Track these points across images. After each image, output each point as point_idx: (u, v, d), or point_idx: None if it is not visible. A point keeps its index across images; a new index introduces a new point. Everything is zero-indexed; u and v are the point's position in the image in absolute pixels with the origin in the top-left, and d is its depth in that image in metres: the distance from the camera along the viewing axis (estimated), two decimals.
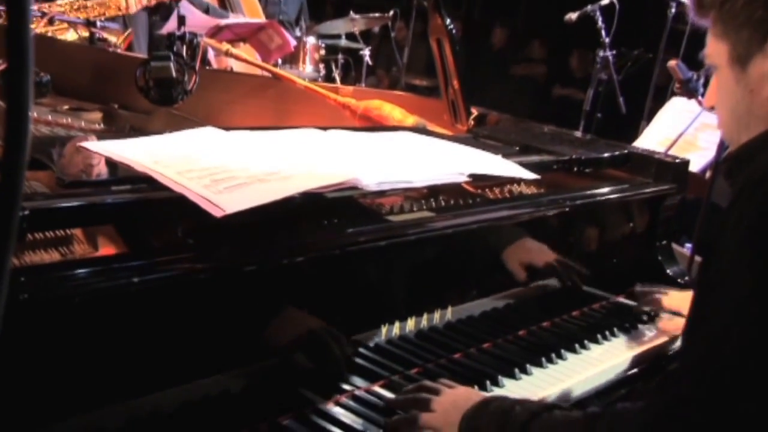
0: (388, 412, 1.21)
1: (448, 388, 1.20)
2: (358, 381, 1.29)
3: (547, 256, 1.67)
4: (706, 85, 2.30)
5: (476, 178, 1.43)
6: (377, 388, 1.29)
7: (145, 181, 1.12)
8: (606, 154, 1.86)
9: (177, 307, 1.05)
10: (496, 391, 1.31)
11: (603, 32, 4.14)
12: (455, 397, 1.15)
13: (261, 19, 3.32)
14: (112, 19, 2.79)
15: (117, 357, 0.99)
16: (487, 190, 1.67)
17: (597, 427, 0.98)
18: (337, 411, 1.22)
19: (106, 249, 1.11)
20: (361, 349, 1.33)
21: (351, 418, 1.19)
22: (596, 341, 1.58)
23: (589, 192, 1.72)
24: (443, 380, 1.24)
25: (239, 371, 1.13)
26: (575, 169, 1.76)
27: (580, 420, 1.03)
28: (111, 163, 1.19)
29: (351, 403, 1.24)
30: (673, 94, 2.83)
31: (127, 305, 0.99)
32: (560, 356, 1.49)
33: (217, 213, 1.04)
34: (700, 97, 2.43)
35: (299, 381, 1.22)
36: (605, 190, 1.75)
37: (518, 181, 1.70)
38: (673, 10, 3.90)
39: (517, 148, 1.79)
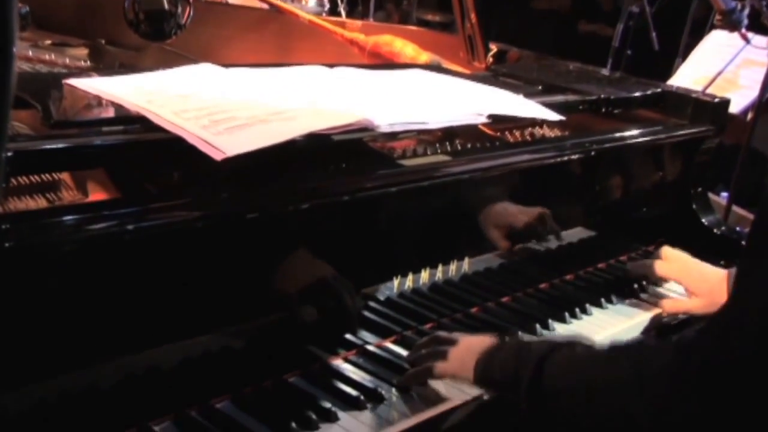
0: (400, 369, 1.22)
1: (460, 337, 1.21)
2: (368, 336, 1.30)
3: (570, 205, 1.66)
4: (750, 16, 2.26)
5: (495, 120, 1.41)
6: (389, 344, 1.30)
7: (139, 122, 1.11)
8: (637, 94, 1.84)
9: (174, 258, 1.05)
10: None
11: None
12: (470, 343, 1.16)
13: None
14: None
15: (110, 311, 1.00)
16: (506, 132, 1.65)
17: (622, 365, 0.97)
18: (346, 367, 1.23)
19: (96, 195, 1.11)
20: (372, 303, 1.34)
21: (360, 375, 1.21)
22: (623, 295, 1.58)
23: (618, 135, 1.70)
24: (458, 333, 1.24)
25: (241, 326, 1.14)
26: (603, 109, 1.75)
27: (603, 355, 1.02)
28: (101, 103, 1.19)
29: (360, 359, 1.25)
30: (713, 27, 2.77)
31: (120, 255, 0.99)
32: (584, 311, 1.49)
33: (217, 156, 1.03)
34: (743, 30, 2.38)
35: (306, 336, 1.23)
36: (636, 132, 1.73)
37: (540, 122, 1.69)
38: None
39: (540, 88, 1.77)
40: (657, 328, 1.48)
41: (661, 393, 0.90)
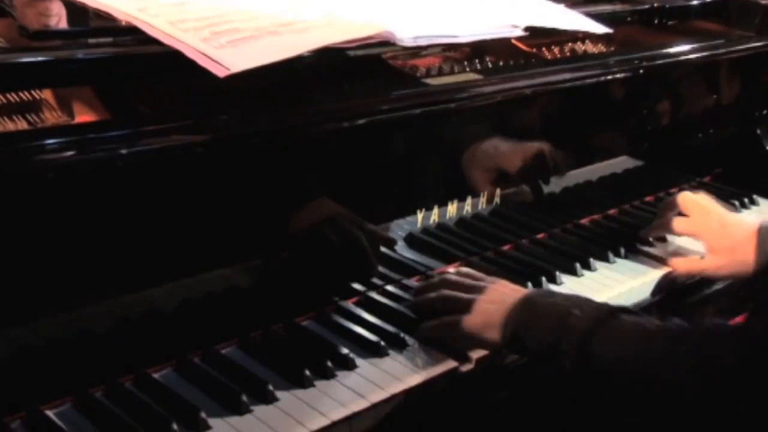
0: (422, 313, 1.21)
1: (488, 283, 1.19)
2: (389, 276, 1.29)
3: (615, 131, 1.64)
4: None
5: (532, 33, 1.38)
6: (413, 284, 1.30)
7: (130, 33, 1.10)
8: (695, 2, 1.80)
9: (171, 187, 1.04)
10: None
11: None
12: (498, 295, 1.14)
13: None
14: None
15: (101, 247, 0.99)
16: (544, 48, 1.63)
17: (682, 347, 0.95)
18: (365, 310, 1.22)
19: (83, 117, 1.09)
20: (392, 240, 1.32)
21: (379, 319, 1.20)
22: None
23: (672, 50, 1.67)
24: (485, 277, 1.22)
25: (248, 264, 1.13)
26: (656, 20, 1.72)
27: (659, 333, 0.99)
28: (83, 12, 1.16)
29: (381, 300, 1.25)
30: None
31: (111, 184, 0.98)
32: (631, 250, 1.48)
33: (220, 72, 1.02)
34: None
35: (320, 276, 1.22)
36: (693, 46, 1.70)
37: (583, 36, 1.66)
38: None
39: None
40: (669, 289, 1.41)
41: (721, 384, 0.90)
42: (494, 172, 1.43)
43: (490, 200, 1.43)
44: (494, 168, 1.43)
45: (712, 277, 1.42)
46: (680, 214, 1.45)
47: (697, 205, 1.44)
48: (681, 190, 1.74)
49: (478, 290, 1.17)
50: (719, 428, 0.92)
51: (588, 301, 1.08)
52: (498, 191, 1.44)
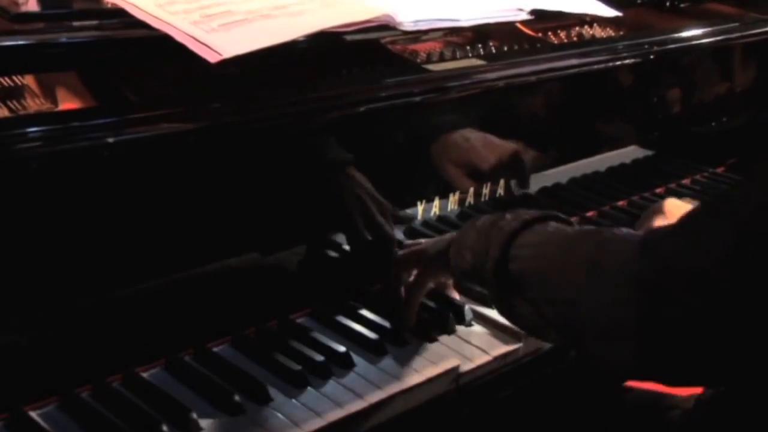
0: (427, 308, 1.22)
1: None
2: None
3: (624, 119, 1.64)
4: None
5: (538, 17, 1.39)
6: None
7: (116, 15, 1.09)
8: None
9: (160, 178, 1.03)
10: None
11: None
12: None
13: None
14: None
15: (88, 240, 0.98)
16: (549, 33, 1.63)
17: (584, 250, 0.94)
18: (363, 307, 1.22)
19: (67, 104, 1.09)
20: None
21: (380, 316, 1.20)
22: None
23: (684, 34, 1.67)
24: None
25: (240, 258, 1.13)
26: (667, 3, 1.72)
27: (570, 236, 1.00)
28: None
29: (380, 297, 1.24)
30: None
31: (96, 174, 0.97)
32: None
33: (211, 58, 1.01)
34: None
35: (316, 270, 1.22)
36: (706, 30, 1.70)
37: (591, 20, 1.66)
38: None
39: None
40: None
41: (616, 289, 0.88)
42: (496, 163, 1.43)
43: (493, 192, 1.43)
44: (496, 159, 1.43)
45: None
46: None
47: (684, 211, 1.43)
48: (693, 181, 1.76)
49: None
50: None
51: (527, 211, 1.07)
52: (502, 182, 1.43)
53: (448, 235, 1.18)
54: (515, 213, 1.06)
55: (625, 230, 0.95)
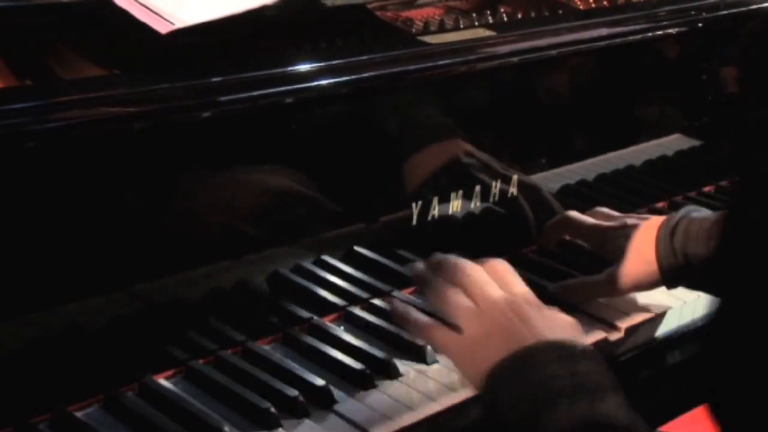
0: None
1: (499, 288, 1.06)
2: (378, 285, 1.31)
3: (665, 102, 1.65)
4: None
5: None
6: (407, 296, 1.31)
7: None
8: None
9: (96, 174, 1.03)
10: None
11: None
12: (494, 325, 1.02)
13: None
14: None
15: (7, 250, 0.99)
16: None
17: None
18: (346, 330, 1.24)
19: None
20: (378, 240, 1.33)
21: (366, 341, 1.21)
22: None
23: None
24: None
25: (191, 271, 1.13)
26: None
27: None
28: None
29: (366, 317, 1.26)
30: None
31: (17, 170, 0.97)
32: None
33: (162, 28, 1.03)
34: None
35: (286, 286, 1.23)
36: None
37: None
38: None
39: None
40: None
41: None
42: (514, 154, 1.44)
43: (504, 193, 1.43)
44: (513, 149, 1.44)
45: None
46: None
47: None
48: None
49: (474, 296, 1.05)
50: None
51: (589, 372, 0.96)
52: (515, 178, 1.44)
53: (495, 336, 1.01)
54: (575, 390, 0.93)
55: None
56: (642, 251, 1.28)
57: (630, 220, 1.30)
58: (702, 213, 1.26)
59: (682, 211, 1.27)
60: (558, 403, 0.93)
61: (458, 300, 1.04)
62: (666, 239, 1.25)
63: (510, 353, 0.97)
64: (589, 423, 0.92)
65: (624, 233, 1.30)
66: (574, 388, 0.93)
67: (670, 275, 1.25)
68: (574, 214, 1.38)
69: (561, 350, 0.97)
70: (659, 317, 1.34)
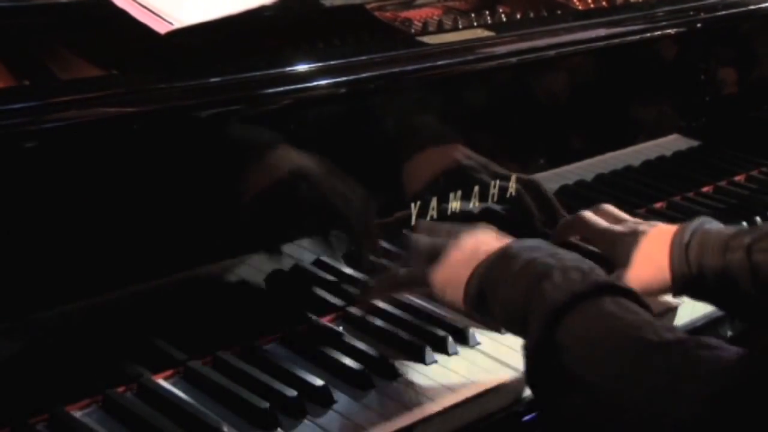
0: (420, 332, 1.22)
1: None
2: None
3: (664, 102, 1.65)
4: None
5: None
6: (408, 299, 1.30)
7: None
8: None
9: (96, 173, 1.03)
10: None
11: None
12: (470, 242, 1.14)
13: None
14: None
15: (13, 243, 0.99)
16: None
17: (662, 364, 0.92)
18: (345, 331, 1.23)
19: None
20: (383, 242, 1.33)
21: (365, 342, 1.21)
22: None
23: None
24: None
25: (193, 271, 1.13)
26: None
27: (640, 336, 0.95)
28: None
29: (365, 320, 1.26)
30: None
31: (15, 169, 0.97)
32: None
33: (161, 28, 1.02)
34: None
35: (288, 286, 1.23)
36: None
37: None
38: None
39: None
40: None
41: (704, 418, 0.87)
42: (512, 155, 1.44)
43: (502, 192, 1.44)
44: (512, 149, 1.44)
45: None
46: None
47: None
48: (748, 178, 1.76)
49: (454, 236, 1.16)
50: None
51: (580, 263, 1.05)
52: (513, 178, 1.44)
53: (473, 251, 1.12)
54: (561, 266, 1.02)
55: (713, 340, 0.93)
56: (653, 257, 1.27)
57: (641, 226, 1.30)
58: (715, 225, 1.25)
59: (696, 222, 1.26)
60: (551, 275, 1.01)
61: (439, 240, 1.17)
62: (681, 248, 1.25)
63: (489, 255, 1.09)
64: (590, 284, 1.00)
65: (634, 239, 1.30)
66: (561, 263, 1.03)
67: (682, 284, 1.25)
68: (587, 214, 1.37)
69: (533, 246, 1.08)
70: (671, 311, 1.34)
